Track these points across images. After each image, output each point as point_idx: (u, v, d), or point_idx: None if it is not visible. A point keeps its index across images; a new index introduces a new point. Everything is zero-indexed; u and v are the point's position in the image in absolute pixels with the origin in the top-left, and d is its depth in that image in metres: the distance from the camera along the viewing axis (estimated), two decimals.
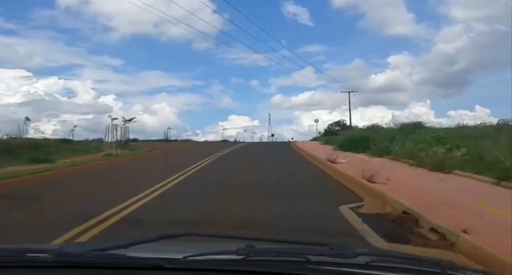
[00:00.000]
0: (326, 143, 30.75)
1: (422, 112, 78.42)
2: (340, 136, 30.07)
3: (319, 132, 54.13)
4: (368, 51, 60.74)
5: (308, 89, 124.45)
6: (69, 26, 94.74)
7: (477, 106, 78.19)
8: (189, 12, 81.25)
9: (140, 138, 52.73)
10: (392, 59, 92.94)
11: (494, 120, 19.55)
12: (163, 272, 1.11)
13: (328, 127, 54.08)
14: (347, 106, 47.50)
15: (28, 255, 1.21)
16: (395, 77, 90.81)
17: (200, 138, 67.83)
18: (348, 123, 48.93)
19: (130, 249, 1.25)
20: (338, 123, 54.92)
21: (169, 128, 61.43)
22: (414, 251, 2.26)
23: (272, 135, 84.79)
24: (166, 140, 54.77)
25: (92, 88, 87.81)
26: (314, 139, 49.04)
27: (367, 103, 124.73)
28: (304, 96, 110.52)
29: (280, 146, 35.35)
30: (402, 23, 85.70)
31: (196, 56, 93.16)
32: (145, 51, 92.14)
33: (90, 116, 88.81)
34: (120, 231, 4.83)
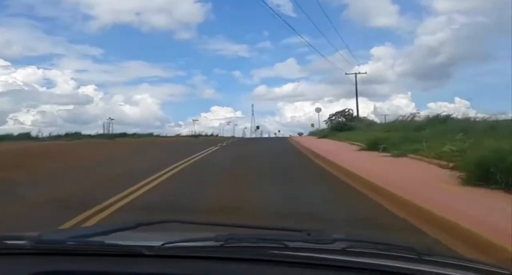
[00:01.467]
0: (345, 140, 20.22)
1: (403, 104, 78.69)
2: (368, 132, 21.43)
3: (326, 123, 45.25)
4: (351, 42, 60.68)
5: (291, 80, 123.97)
6: (48, 14, 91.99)
7: (456, 98, 78.96)
8: (171, 1, 79.89)
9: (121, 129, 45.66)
10: (375, 51, 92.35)
11: (472, 112, 18.12)
12: (141, 259, 1.12)
13: (330, 118, 47.08)
14: (330, 98, 45.32)
15: (6, 242, 1.22)
16: (378, 69, 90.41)
17: (183, 129, 61.35)
18: (354, 113, 42.85)
19: (109, 236, 1.27)
20: (342, 113, 48.45)
21: (111, 119, 41.73)
22: (392, 238, 2.29)
23: (257, 127, 77.75)
24: (109, 136, 35.66)
25: (72, 79, 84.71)
26: (312, 133, 41.22)
27: (349, 95, 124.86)
28: (287, 88, 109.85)
29: (284, 148, 18.87)
30: (385, 14, 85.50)
31: (178, 47, 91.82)
32: (127, 41, 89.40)
33: (70, 107, 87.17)
34: None
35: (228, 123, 66.38)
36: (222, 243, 1.15)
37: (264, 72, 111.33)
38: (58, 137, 31.82)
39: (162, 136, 47.14)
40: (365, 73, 41.67)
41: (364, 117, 37.34)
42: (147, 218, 1.45)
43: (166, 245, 1.15)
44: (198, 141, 31.20)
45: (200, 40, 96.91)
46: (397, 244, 1.21)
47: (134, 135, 42.08)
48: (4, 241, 1.23)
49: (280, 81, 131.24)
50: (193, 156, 13.47)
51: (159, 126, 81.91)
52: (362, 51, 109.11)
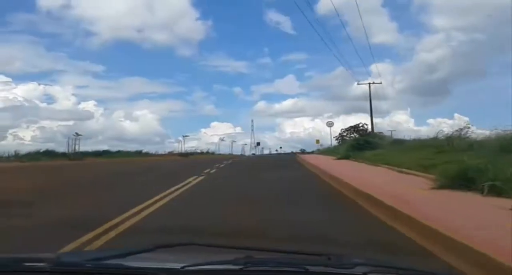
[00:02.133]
0: (381, 163, 14.15)
1: (402, 120, 78.65)
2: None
3: (337, 140, 41.77)
4: (351, 59, 61.62)
5: (291, 96, 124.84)
6: (50, 30, 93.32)
7: (456, 114, 78.66)
8: (172, 18, 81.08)
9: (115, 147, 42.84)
10: (375, 67, 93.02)
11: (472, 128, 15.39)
12: None
13: (342, 134, 42.99)
14: (330, 114, 44.50)
15: (26, 264, 1.22)
16: (377, 85, 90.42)
17: (182, 145, 56.10)
18: (369, 128, 37.62)
19: (127, 258, 1.26)
20: (356, 128, 44.19)
21: (77, 135, 34.78)
22: (412, 262, 2.24)
23: (258, 144, 77.05)
24: (75, 155, 28.62)
25: (72, 94, 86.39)
26: (321, 151, 38.22)
27: (349, 111, 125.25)
28: (286, 104, 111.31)
29: (306, 180, 11.46)
30: (385, 31, 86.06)
31: (179, 63, 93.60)
32: (127, 57, 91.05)
33: (70, 123, 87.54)
34: None
35: (222, 139, 62.67)
36: (241, 267, 1.14)
37: (264, 88, 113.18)
38: (23, 156, 27.25)
39: (152, 154, 44.42)
40: (380, 83, 37.01)
41: (380, 133, 32.09)
42: (165, 240, 1.44)
43: (186, 268, 1.15)
44: (186, 161, 26.88)
45: (200, 57, 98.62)
46: (418, 269, 1.19)
47: (118, 152, 37.62)
48: (23, 263, 1.23)
49: (280, 97, 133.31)
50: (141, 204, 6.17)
51: (159, 142, 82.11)
52: (362, 68, 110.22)
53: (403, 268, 1.19)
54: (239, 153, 60.27)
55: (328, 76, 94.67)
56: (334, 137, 39.97)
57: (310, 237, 3.93)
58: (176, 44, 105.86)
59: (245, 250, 1.31)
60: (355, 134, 39.48)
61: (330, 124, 40.74)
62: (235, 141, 70.43)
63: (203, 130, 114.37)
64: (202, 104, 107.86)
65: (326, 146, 43.61)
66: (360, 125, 41.51)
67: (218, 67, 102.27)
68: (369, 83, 35.97)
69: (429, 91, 77.57)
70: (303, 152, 73.71)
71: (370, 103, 36.02)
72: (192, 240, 1.39)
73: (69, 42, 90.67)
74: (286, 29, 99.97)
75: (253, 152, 75.60)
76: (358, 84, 37.08)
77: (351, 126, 44.27)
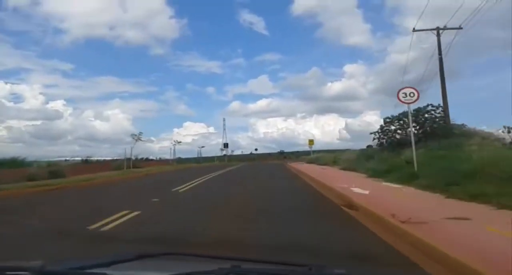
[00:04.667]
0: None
1: (373, 120, 77.62)
2: None
3: (377, 140, 20.82)
4: (324, 60, 61.30)
5: (265, 97, 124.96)
6: (18, 28, 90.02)
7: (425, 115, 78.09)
8: (146, 16, 77.84)
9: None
10: (348, 68, 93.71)
11: None
12: None
13: (384, 129, 20.17)
14: (303, 114, 41.24)
15: (8, 273, 1.23)
16: (350, 86, 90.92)
17: (155, 145, 54.97)
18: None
19: (111, 267, 1.27)
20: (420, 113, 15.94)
21: None
22: (394, 273, 2.19)
23: (226, 145, 69.01)
24: None
25: (40, 93, 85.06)
26: (315, 159, 35.05)
27: (322, 111, 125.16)
28: (260, 104, 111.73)
29: None
30: (358, 33, 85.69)
31: (151, 62, 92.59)
32: (98, 56, 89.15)
33: (38, 122, 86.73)
34: None
35: (174, 143, 50.62)
36: None
37: (237, 88, 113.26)
38: None
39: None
40: (460, 28, 19.40)
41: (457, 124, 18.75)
42: (149, 250, 1.44)
43: None
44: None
45: (174, 56, 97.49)
46: None
47: (34, 163, 24.19)
48: (6, 272, 1.24)
49: (254, 97, 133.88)
50: None
51: (131, 142, 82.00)
52: (336, 68, 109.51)
53: None
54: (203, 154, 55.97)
55: (302, 77, 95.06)
56: (375, 133, 20.73)
57: None
58: (149, 42, 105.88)
59: (228, 260, 1.30)
60: (414, 126, 17.68)
61: (310, 147, 42.83)
62: (203, 147, 64.70)
63: (176, 130, 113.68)
64: (175, 104, 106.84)
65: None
66: (429, 107, 18.92)
67: (191, 67, 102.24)
68: (438, 30, 20.19)
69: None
70: (284, 156, 70.21)
71: (440, 66, 19.88)
72: (176, 250, 1.39)
73: (37, 40, 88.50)
74: (260, 29, 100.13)
75: (224, 153, 68.78)
76: (413, 31, 20.74)
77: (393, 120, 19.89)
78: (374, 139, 20.89)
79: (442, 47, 20.30)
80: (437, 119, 18.52)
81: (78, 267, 1.28)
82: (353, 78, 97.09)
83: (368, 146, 25.39)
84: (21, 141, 73.86)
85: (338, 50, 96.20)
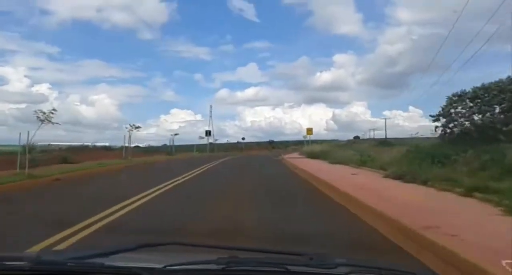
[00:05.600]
0: None
1: (360, 111, 78.76)
2: None
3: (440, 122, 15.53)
4: (314, 49, 60.56)
5: (253, 85, 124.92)
6: (2, 8, 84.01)
7: (410, 107, 79.94)
8: None
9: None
10: (338, 58, 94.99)
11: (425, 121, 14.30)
12: None
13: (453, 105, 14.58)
14: (291, 104, 36.87)
15: (5, 263, 1.21)
16: (339, 76, 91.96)
17: (142, 131, 49.88)
18: None
19: (110, 257, 1.28)
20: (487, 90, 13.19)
21: None
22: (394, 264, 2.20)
23: (208, 133, 56.40)
24: None
25: (25, 76, 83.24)
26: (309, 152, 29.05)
27: (310, 101, 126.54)
28: (248, 93, 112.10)
29: None
30: (349, 22, 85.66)
31: (139, 47, 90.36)
32: (85, 39, 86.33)
33: (23, 106, 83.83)
34: None
35: (172, 135, 44.56)
36: (223, 266, 1.15)
37: (225, 76, 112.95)
38: None
39: None
40: None
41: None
42: (148, 240, 1.44)
43: (168, 267, 1.15)
44: None
45: (162, 41, 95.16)
46: (400, 269, 1.19)
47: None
48: (2, 262, 1.22)
49: (242, 85, 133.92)
50: None
51: (117, 128, 79.54)
52: (325, 58, 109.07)
53: (385, 268, 1.20)
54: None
55: (291, 66, 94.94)
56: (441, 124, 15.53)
57: None
58: (137, 26, 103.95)
59: (228, 250, 1.31)
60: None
61: (305, 137, 39.93)
62: (175, 134, 47.30)
63: (162, 117, 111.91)
64: (162, 90, 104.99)
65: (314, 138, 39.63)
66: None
67: (180, 53, 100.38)
68: None
69: (389, 84, 78.27)
70: (273, 146, 67.01)
71: None
72: (175, 240, 1.39)
73: (23, 21, 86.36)
74: (250, 16, 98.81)
75: (204, 141, 56.13)
76: None
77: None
78: (437, 127, 14.92)
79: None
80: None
81: (76, 257, 1.27)
82: (342, 68, 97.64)
83: (355, 137, 25.15)
84: (5, 124, 71.13)
85: (328, 40, 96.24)
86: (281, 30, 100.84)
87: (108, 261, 1.24)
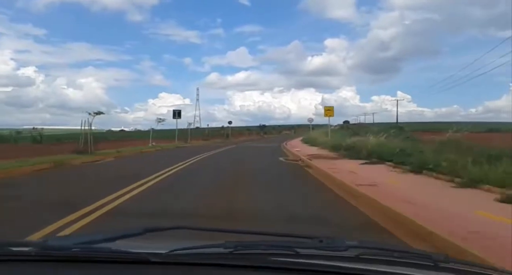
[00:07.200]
0: None
1: (348, 96, 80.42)
2: None
3: None
4: (306, 33, 59.87)
5: (243, 69, 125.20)
6: None
7: (398, 92, 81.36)
8: None
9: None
10: (329, 42, 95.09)
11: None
12: (148, 266, 1.12)
13: None
14: (281, 89, 33.05)
15: (11, 249, 1.22)
16: (330, 61, 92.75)
17: (129, 115, 45.00)
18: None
19: (116, 243, 1.30)
20: None
21: None
22: (406, 246, 2.26)
23: (177, 114, 40.01)
24: None
25: (11, 59, 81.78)
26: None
27: (300, 86, 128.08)
28: (238, 77, 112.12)
29: None
30: (342, 6, 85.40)
31: (128, 29, 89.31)
32: (73, 21, 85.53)
33: (9, 89, 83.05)
34: None
35: (159, 120, 37.56)
36: (231, 250, 1.17)
37: (215, 60, 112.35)
38: None
39: None
40: None
41: None
42: (155, 224, 1.43)
43: (174, 252, 1.16)
44: None
45: (151, 24, 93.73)
46: (412, 251, 1.20)
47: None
48: (8, 248, 1.22)
49: (232, 70, 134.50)
50: None
51: (105, 112, 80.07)
52: (317, 43, 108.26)
53: (397, 250, 1.21)
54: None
55: (282, 50, 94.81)
56: None
57: None
58: (127, 8, 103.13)
59: (236, 234, 1.31)
60: None
61: (310, 120, 38.16)
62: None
63: (150, 101, 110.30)
64: (151, 74, 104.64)
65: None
66: None
67: (169, 36, 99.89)
68: None
69: (379, 69, 79.51)
70: (265, 131, 62.75)
71: None
72: (182, 224, 1.38)
73: (9, 3, 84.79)
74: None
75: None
76: None
77: None
78: None
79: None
80: None
81: (82, 242, 1.26)
82: (333, 53, 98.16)
83: (345, 122, 24.53)
84: None
85: (320, 24, 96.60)
86: (273, 14, 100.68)
87: (115, 246, 1.29)
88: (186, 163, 15.99)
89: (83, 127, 20.43)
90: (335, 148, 20.82)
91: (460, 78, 70.04)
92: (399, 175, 10.94)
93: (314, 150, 22.70)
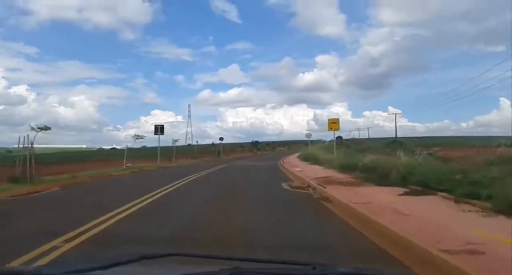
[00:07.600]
0: None
1: (340, 112, 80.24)
2: None
3: None
4: (297, 50, 61.03)
5: (236, 86, 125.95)
6: None
7: (389, 107, 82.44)
8: None
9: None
10: (320, 59, 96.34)
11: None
12: None
13: None
14: (273, 104, 30.12)
15: None
16: (322, 77, 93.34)
17: (121, 133, 43.07)
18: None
19: (112, 270, 1.27)
20: None
21: None
22: (400, 273, 2.26)
23: (159, 130, 33.88)
24: None
25: (3, 77, 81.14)
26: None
27: (292, 102, 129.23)
28: (230, 94, 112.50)
29: None
30: (333, 23, 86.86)
31: (120, 47, 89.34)
32: (65, 39, 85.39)
33: (0, 108, 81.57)
34: None
35: (136, 137, 31.51)
36: None
37: (207, 77, 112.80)
38: None
39: None
40: None
41: None
42: (151, 251, 1.43)
43: None
44: None
45: (143, 42, 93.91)
46: None
47: None
48: None
49: (224, 87, 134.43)
50: None
51: (96, 130, 78.88)
52: (308, 59, 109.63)
53: None
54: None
55: (274, 67, 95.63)
56: None
57: None
58: (119, 27, 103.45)
59: (231, 261, 1.32)
60: None
61: (308, 135, 38.58)
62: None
63: (143, 118, 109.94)
64: (143, 92, 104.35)
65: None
66: None
67: (161, 54, 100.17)
68: None
69: (370, 85, 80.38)
70: (258, 148, 62.80)
71: None
72: (178, 251, 1.39)
73: (0, 21, 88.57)
74: (233, 17, 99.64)
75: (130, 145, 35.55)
76: None
77: None
78: None
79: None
80: None
81: (75, 270, 1.26)
82: (324, 69, 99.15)
83: (337, 137, 23.19)
84: None
85: (311, 41, 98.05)
86: (264, 32, 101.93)
87: (108, 274, 1.26)
88: (153, 196, 10.38)
89: (21, 146, 14.76)
90: (345, 168, 17.25)
91: (449, 93, 70.98)
92: (486, 219, 6.25)
93: (319, 170, 19.23)
